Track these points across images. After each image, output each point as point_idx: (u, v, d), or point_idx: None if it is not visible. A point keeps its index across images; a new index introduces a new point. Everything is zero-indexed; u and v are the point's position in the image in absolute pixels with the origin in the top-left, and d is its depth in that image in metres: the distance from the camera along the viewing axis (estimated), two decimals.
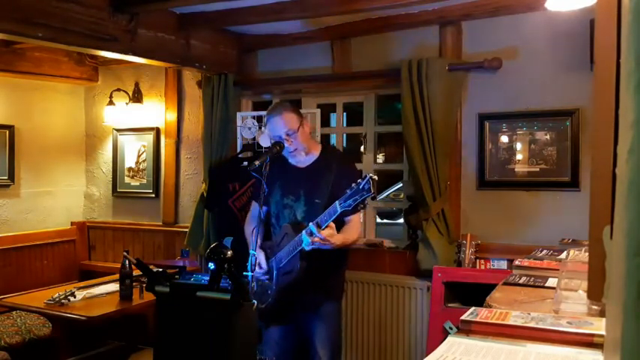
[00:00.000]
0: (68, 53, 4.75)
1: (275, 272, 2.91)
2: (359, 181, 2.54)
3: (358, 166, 4.16)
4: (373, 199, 2.80)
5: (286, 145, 2.87)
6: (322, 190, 2.83)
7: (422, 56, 3.61)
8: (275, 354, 3.03)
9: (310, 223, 2.66)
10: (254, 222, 3.07)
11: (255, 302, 2.80)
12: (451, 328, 3.01)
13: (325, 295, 2.98)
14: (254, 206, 3.17)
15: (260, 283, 3.00)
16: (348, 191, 2.55)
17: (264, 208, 3.06)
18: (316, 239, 2.63)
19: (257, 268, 2.94)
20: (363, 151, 4.23)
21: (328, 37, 4.10)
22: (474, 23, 3.64)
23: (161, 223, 4.85)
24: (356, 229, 2.90)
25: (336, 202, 2.59)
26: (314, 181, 2.89)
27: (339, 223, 2.79)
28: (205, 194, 4.32)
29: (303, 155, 2.95)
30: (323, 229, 2.63)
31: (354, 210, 2.74)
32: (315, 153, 2.99)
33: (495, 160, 3.61)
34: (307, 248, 2.68)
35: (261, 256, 2.95)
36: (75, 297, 3.44)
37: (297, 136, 2.87)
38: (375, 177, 2.53)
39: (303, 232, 2.68)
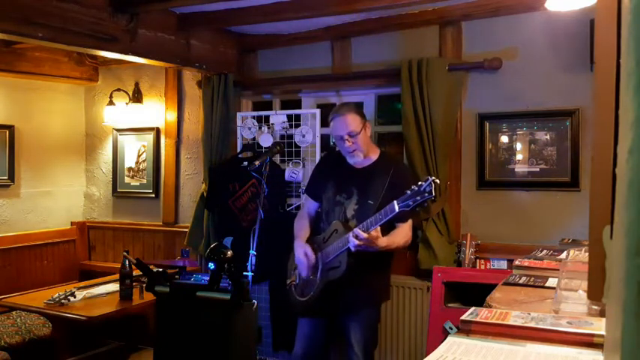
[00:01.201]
0: (68, 53, 4.75)
1: (320, 267, 2.93)
2: (420, 182, 2.56)
3: None
4: (433, 201, 2.81)
5: (346, 145, 2.92)
6: (376, 191, 2.85)
7: (422, 56, 3.61)
8: (303, 348, 3.04)
9: (358, 226, 2.69)
10: (306, 217, 3.15)
11: (255, 302, 2.80)
12: (451, 328, 3.01)
13: (367, 298, 2.99)
14: (307, 202, 3.22)
15: (302, 278, 3.02)
16: (408, 192, 2.58)
17: (317, 204, 3.13)
18: (361, 242, 2.65)
19: (304, 258, 2.95)
20: None
21: (328, 37, 4.10)
22: (473, 23, 3.64)
23: (161, 223, 4.85)
24: (403, 235, 2.91)
25: (394, 201, 2.60)
26: (369, 182, 2.92)
27: (389, 228, 2.81)
28: (205, 194, 4.32)
29: (361, 157, 2.98)
30: (369, 232, 2.65)
31: (411, 213, 2.78)
32: (373, 157, 3.03)
33: (495, 160, 3.61)
34: (353, 249, 2.71)
35: (308, 248, 2.97)
36: (75, 297, 3.44)
37: (358, 138, 2.92)
38: (438, 180, 2.57)
39: (350, 233, 2.71)
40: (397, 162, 3.17)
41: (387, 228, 2.79)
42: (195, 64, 4.13)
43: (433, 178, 2.54)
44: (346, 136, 2.91)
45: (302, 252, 2.97)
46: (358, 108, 3.07)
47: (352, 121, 2.92)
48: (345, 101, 4.26)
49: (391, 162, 3.05)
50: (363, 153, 2.97)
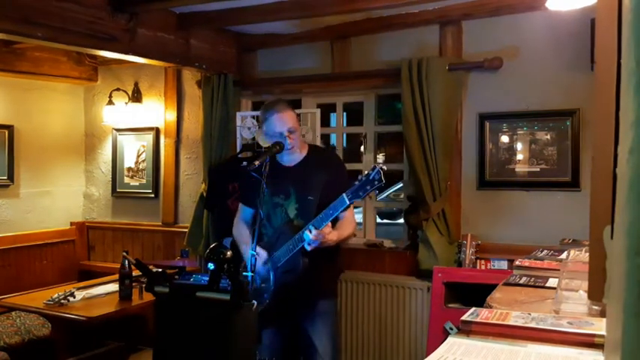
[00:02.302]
0: (67, 53, 4.74)
1: (272, 272, 2.88)
2: (367, 172, 2.54)
3: (358, 166, 4.17)
4: (381, 189, 2.79)
5: (288, 142, 2.83)
6: (315, 187, 2.81)
7: (422, 56, 3.61)
8: (268, 356, 3.00)
9: (310, 224, 2.66)
10: (243, 224, 3.06)
11: (255, 303, 2.79)
12: (451, 329, 3.01)
13: (320, 292, 2.95)
14: (242, 209, 3.12)
15: (254, 287, 2.97)
16: (356, 183, 2.55)
17: (251, 210, 3.03)
18: (316, 238, 2.62)
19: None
20: (363, 151, 4.23)
21: (328, 37, 4.10)
22: (474, 23, 3.64)
23: (161, 224, 4.85)
24: (349, 225, 2.89)
25: (344, 194, 2.57)
26: (305, 178, 2.87)
27: (333, 220, 2.77)
28: (205, 194, 4.32)
29: (298, 153, 2.93)
30: (321, 229, 2.63)
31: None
32: (304, 152, 2.97)
33: (495, 160, 3.61)
34: (308, 248, 2.67)
35: (259, 249, 2.89)
36: (74, 297, 3.44)
37: (297, 134, 2.87)
38: (385, 167, 2.53)
39: (304, 231, 2.68)
40: (327, 152, 3.11)
41: (332, 221, 2.73)
42: (194, 63, 4.13)
43: (380, 165, 2.52)
44: (287, 133, 2.81)
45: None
46: (290, 104, 2.99)
47: (291, 117, 2.85)
48: (345, 102, 4.26)
49: (322, 153, 3.01)
50: (299, 149, 2.92)
